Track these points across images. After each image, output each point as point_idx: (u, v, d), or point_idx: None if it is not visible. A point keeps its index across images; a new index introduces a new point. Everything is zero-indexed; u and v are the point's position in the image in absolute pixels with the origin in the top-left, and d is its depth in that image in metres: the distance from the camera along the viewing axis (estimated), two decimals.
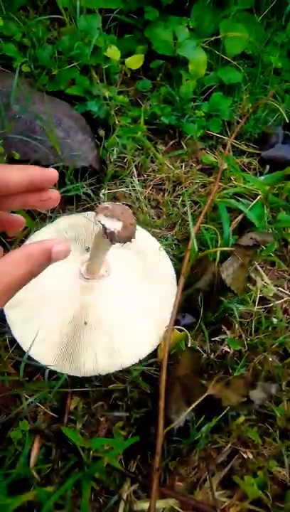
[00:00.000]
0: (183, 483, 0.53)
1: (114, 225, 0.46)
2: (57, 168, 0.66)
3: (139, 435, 0.53)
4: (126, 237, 0.47)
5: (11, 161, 0.66)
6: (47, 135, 0.66)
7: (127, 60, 0.87)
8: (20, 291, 0.59)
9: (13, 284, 0.33)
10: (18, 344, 0.56)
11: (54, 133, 0.66)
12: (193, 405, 0.51)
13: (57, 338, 0.56)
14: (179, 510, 0.51)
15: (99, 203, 0.71)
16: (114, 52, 0.83)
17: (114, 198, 0.73)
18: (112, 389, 0.57)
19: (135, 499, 0.52)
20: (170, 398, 0.52)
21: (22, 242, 0.64)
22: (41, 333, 0.56)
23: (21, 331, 0.57)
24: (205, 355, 0.61)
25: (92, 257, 0.57)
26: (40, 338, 0.55)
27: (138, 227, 0.67)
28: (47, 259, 0.35)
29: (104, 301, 0.58)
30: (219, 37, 0.90)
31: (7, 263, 0.33)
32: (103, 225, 0.46)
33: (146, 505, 0.50)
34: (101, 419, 0.56)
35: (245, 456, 0.55)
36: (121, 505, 0.51)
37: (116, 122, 0.79)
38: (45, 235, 0.64)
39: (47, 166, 0.66)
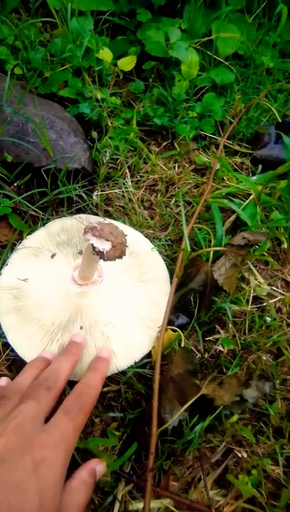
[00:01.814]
0: (177, 483, 0.54)
1: (103, 245, 0.46)
2: (49, 170, 0.67)
3: (134, 435, 0.53)
4: (115, 257, 0.47)
5: (4, 163, 0.66)
6: (39, 137, 0.66)
7: (120, 62, 0.87)
8: (13, 298, 0.59)
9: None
10: (12, 348, 0.56)
11: (46, 135, 0.66)
12: (187, 405, 0.51)
13: (53, 343, 0.56)
14: (174, 509, 0.51)
15: (92, 204, 0.71)
16: (106, 54, 0.83)
17: (107, 200, 0.73)
18: (107, 390, 0.57)
19: (130, 499, 0.52)
20: (164, 398, 0.52)
21: (14, 245, 0.64)
22: (36, 338, 0.56)
23: (16, 336, 0.56)
24: (198, 355, 0.61)
25: (83, 266, 0.56)
26: (35, 343, 0.55)
27: (131, 229, 0.68)
28: (95, 480, 0.44)
29: (98, 305, 0.58)
30: (211, 38, 0.90)
31: (72, 496, 0.39)
32: (92, 244, 0.46)
33: (140, 505, 0.51)
34: (96, 420, 0.56)
35: (239, 455, 0.55)
36: (116, 505, 0.51)
37: (109, 124, 0.79)
38: (36, 239, 0.64)
39: (39, 168, 0.67)
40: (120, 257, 0.47)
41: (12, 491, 0.33)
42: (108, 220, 0.66)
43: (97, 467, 0.45)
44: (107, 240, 0.46)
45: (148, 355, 0.58)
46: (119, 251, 0.47)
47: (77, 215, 0.67)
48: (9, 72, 0.69)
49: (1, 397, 0.44)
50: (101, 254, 0.46)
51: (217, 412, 0.52)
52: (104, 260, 0.47)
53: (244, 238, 0.61)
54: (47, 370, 0.47)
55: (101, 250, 0.46)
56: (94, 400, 0.46)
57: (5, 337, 0.57)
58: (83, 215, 0.67)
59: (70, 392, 0.45)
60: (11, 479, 0.34)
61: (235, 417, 0.54)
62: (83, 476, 0.42)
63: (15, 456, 0.36)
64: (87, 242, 0.47)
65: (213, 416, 0.52)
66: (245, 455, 0.55)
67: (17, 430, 0.38)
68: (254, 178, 0.76)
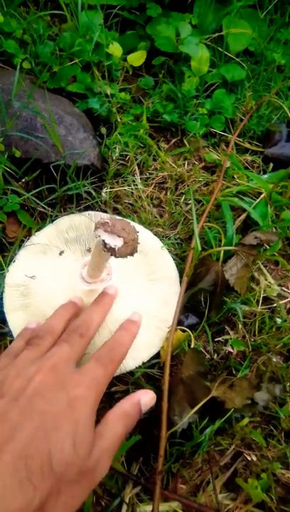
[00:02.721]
0: (186, 486, 0.53)
1: (115, 241, 0.44)
2: (58, 166, 0.66)
3: (142, 437, 0.52)
4: (127, 254, 0.46)
5: (12, 158, 0.65)
6: (48, 133, 0.65)
7: (129, 57, 0.86)
8: (21, 295, 0.58)
9: (116, 444, 0.40)
10: None
11: (56, 130, 0.65)
12: (197, 407, 0.50)
13: None
14: None
15: (101, 202, 0.70)
16: (116, 49, 0.82)
17: (116, 197, 0.72)
18: (114, 390, 0.56)
19: (137, 502, 0.51)
20: (173, 400, 0.51)
21: (22, 241, 0.63)
22: None
23: None
24: (208, 356, 0.60)
25: (92, 264, 0.55)
26: None
27: (140, 227, 0.67)
28: (139, 412, 0.44)
29: None
30: (222, 33, 0.89)
31: (108, 428, 0.41)
32: (103, 240, 0.45)
33: (148, 508, 0.50)
34: None
35: (249, 458, 0.55)
36: (124, 508, 0.50)
37: (118, 120, 0.78)
38: (45, 236, 0.63)
39: (48, 164, 0.66)
40: (132, 254, 0.46)
41: (48, 419, 0.36)
42: (118, 217, 0.65)
43: (142, 398, 0.45)
44: (119, 236, 0.45)
45: (157, 355, 0.57)
46: (131, 248, 0.46)
47: (86, 212, 0.66)
48: (18, 66, 0.68)
49: (35, 336, 0.46)
50: (112, 251, 0.45)
51: (228, 415, 0.51)
52: (116, 257, 0.46)
53: (256, 238, 0.60)
54: (79, 318, 0.49)
55: (112, 247, 0.45)
56: (124, 356, 0.48)
57: (12, 334, 0.56)
58: (92, 212, 0.66)
59: (101, 346, 0.46)
60: (48, 409, 0.37)
61: (246, 420, 0.53)
62: (124, 407, 0.43)
63: (52, 392, 0.38)
64: (98, 238, 0.45)
65: (223, 419, 0.51)
66: (255, 458, 0.55)
67: (53, 369, 0.40)
68: (265, 176, 0.75)
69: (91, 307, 0.52)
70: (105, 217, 0.46)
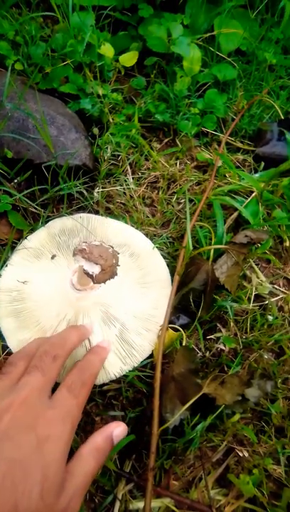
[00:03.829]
0: (178, 482, 0.53)
1: (93, 269, 0.45)
2: (50, 166, 0.66)
3: (134, 434, 0.53)
4: (105, 280, 0.46)
5: (4, 159, 0.66)
6: (40, 133, 0.65)
7: (121, 58, 0.86)
8: (13, 301, 0.58)
9: (88, 482, 0.39)
10: (10, 350, 0.56)
11: (47, 131, 0.65)
12: (188, 404, 0.50)
13: None
14: (174, 509, 0.50)
15: (93, 202, 0.71)
16: (107, 50, 0.82)
17: (108, 197, 0.72)
18: (107, 389, 0.57)
19: (130, 499, 0.51)
20: (165, 397, 0.52)
21: (15, 243, 0.64)
22: None
23: (15, 339, 0.56)
24: (199, 354, 0.60)
25: (79, 277, 0.56)
26: None
27: (132, 228, 0.67)
28: (111, 445, 0.43)
29: (98, 309, 0.57)
30: (213, 33, 0.89)
31: (80, 465, 0.39)
32: (82, 266, 0.45)
33: (141, 504, 0.50)
34: (96, 419, 0.56)
35: (241, 454, 0.55)
36: (117, 504, 0.51)
37: (110, 120, 0.78)
38: (37, 240, 0.63)
39: (40, 165, 0.67)
40: (111, 278, 0.47)
41: (16, 467, 0.34)
42: (105, 225, 0.65)
43: (115, 431, 0.44)
44: (96, 264, 0.45)
45: (150, 355, 0.57)
46: (108, 274, 0.47)
47: (78, 215, 0.67)
48: (10, 68, 0.69)
49: (7, 363, 0.44)
50: (90, 277, 0.46)
51: (219, 411, 0.52)
52: (94, 283, 0.46)
53: (246, 236, 0.60)
54: (54, 336, 0.47)
55: (90, 273, 0.46)
56: (95, 378, 0.46)
57: (4, 340, 0.56)
58: (84, 215, 0.67)
59: (71, 369, 0.45)
60: (16, 456, 0.34)
61: (237, 417, 0.53)
62: (97, 442, 0.42)
63: (20, 433, 0.36)
64: (78, 262, 0.46)
65: (215, 415, 0.52)
66: (246, 454, 0.55)
67: (24, 404, 0.38)
68: (257, 175, 0.76)
69: (69, 329, 0.50)
70: (83, 243, 0.46)
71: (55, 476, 0.35)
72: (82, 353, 0.53)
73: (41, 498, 0.34)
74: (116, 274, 0.47)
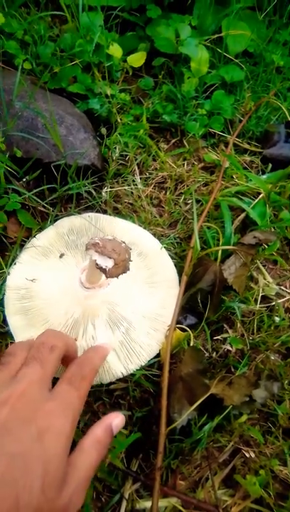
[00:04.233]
0: (185, 482, 0.53)
1: (106, 263, 0.45)
2: (58, 166, 0.66)
3: (141, 434, 0.53)
4: (118, 274, 0.46)
5: (13, 158, 0.66)
6: (49, 133, 0.65)
7: (129, 58, 0.86)
8: (21, 298, 0.58)
9: (90, 474, 0.38)
10: None
11: (57, 131, 0.66)
12: (196, 404, 0.50)
13: None
14: (181, 509, 0.50)
15: (101, 201, 0.71)
16: (116, 50, 0.83)
17: (116, 197, 0.73)
18: (114, 388, 0.57)
19: (137, 498, 0.52)
20: (172, 397, 0.52)
21: (24, 242, 0.64)
22: None
23: (23, 337, 0.56)
24: (206, 354, 0.61)
25: (89, 272, 0.56)
26: None
27: (139, 228, 0.67)
28: (111, 436, 0.42)
29: (106, 308, 0.57)
30: (221, 35, 0.89)
31: (82, 458, 0.38)
32: (94, 260, 0.45)
33: (148, 504, 0.50)
34: None
35: (247, 455, 0.55)
36: (123, 504, 0.51)
37: (118, 120, 0.79)
38: (45, 239, 0.64)
39: (49, 164, 0.67)
40: (123, 273, 0.47)
41: (16, 461, 0.33)
42: (113, 225, 0.66)
43: (114, 422, 0.43)
44: (110, 258, 0.45)
45: (157, 354, 0.57)
46: (121, 268, 0.46)
47: (86, 214, 0.67)
48: (20, 67, 0.69)
49: (6, 353, 0.43)
50: (104, 271, 0.46)
51: (226, 411, 0.52)
52: (107, 277, 0.46)
53: (255, 237, 0.61)
54: (47, 330, 0.46)
55: (104, 267, 0.45)
56: (95, 372, 0.45)
57: (13, 337, 0.56)
58: (92, 214, 0.67)
59: (70, 365, 0.44)
60: (16, 450, 0.33)
61: (244, 417, 0.53)
62: (97, 435, 0.41)
63: (20, 426, 0.35)
64: (90, 257, 0.46)
65: (222, 416, 0.52)
66: (253, 455, 0.55)
67: (22, 398, 0.37)
68: (264, 176, 0.76)
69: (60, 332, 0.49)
70: (96, 237, 0.46)
71: (56, 470, 0.35)
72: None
73: (42, 492, 0.33)
74: (129, 269, 0.46)
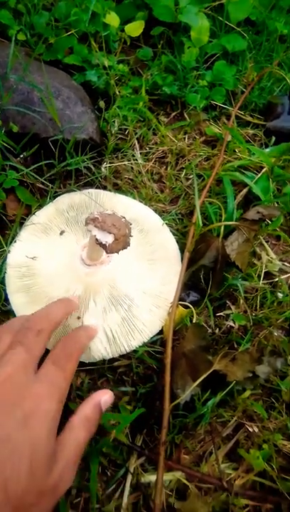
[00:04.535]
0: (189, 456, 0.54)
1: (106, 238, 0.44)
2: (56, 141, 0.65)
3: (145, 410, 0.53)
4: (118, 250, 0.45)
5: (9, 133, 0.64)
6: (46, 106, 0.63)
7: (127, 27, 0.83)
8: (22, 276, 0.57)
9: (79, 452, 0.39)
10: None
11: (53, 104, 0.64)
12: (199, 380, 0.50)
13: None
14: (185, 482, 0.51)
15: (101, 177, 0.69)
16: (113, 19, 0.79)
17: (116, 172, 0.71)
18: (117, 365, 0.57)
19: (142, 472, 0.52)
20: (176, 373, 0.52)
21: (23, 219, 0.63)
22: None
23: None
24: (209, 331, 0.60)
25: (90, 249, 0.55)
26: None
27: (140, 204, 0.66)
28: (100, 413, 0.43)
29: (107, 285, 0.57)
30: (222, 2, 0.86)
31: (71, 436, 0.39)
32: (94, 236, 0.44)
33: (152, 477, 0.51)
34: None
35: (250, 429, 0.56)
36: (129, 478, 0.51)
37: (117, 93, 0.76)
38: (45, 216, 0.63)
39: (46, 139, 0.65)
40: (124, 248, 0.46)
41: (2, 445, 0.33)
42: (114, 200, 0.64)
43: (102, 399, 0.44)
44: (110, 233, 0.44)
45: (160, 331, 0.57)
46: (122, 243, 0.45)
47: (86, 190, 0.65)
48: (14, 38, 0.66)
49: None
50: (104, 247, 0.45)
51: (230, 387, 0.52)
52: (107, 253, 0.46)
53: (258, 212, 0.59)
54: (39, 310, 0.46)
55: (103, 243, 0.45)
56: (81, 351, 0.46)
57: (15, 315, 0.56)
58: (92, 190, 0.66)
59: (56, 344, 0.44)
60: (3, 435, 0.34)
61: (247, 393, 0.53)
62: (86, 412, 0.42)
63: (6, 410, 0.35)
64: (90, 232, 0.45)
65: (225, 391, 0.52)
66: (256, 430, 0.56)
67: (7, 382, 0.37)
68: (267, 150, 0.74)
69: (53, 303, 0.49)
70: (95, 211, 0.45)
71: (44, 450, 0.35)
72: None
73: (31, 473, 0.33)
74: (129, 245, 0.46)
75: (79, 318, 0.55)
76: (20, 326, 0.43)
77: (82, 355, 0.46)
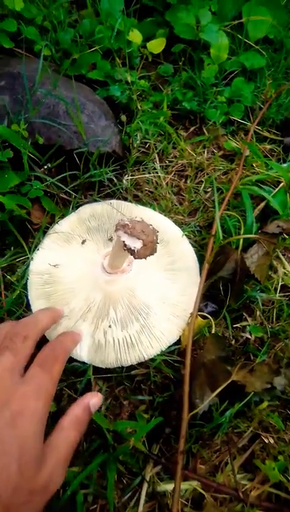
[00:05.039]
0: (205, 466, 0.54)
1: (134, 244, 0.46)
2: (82, 153, 0.67)
3: (163, 419, 0.54)
4: (146, 255, 0.47)
5: (35, 145, 0.66)
6: (72, 119, 0.65)
7: (149, 44, 0.86)
8: (44, 284, 0.59)
9: (69, 452, 0.40)
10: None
11: (80, 117, 0.66)
12: (218, 391, 0.51)
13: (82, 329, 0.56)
14: (202, 491, 0.51)
15: (122, 189, 0.71)
16: (136, 36, 0.82)
17: (137, 184, 0.73)
18: (135, 374, 0.58)
19: (158, 481, 0.53)
20: (194, 383, 0.53)
21: (47, 228, 0.64)
22: (65, 324, 0.56)
23: None
24: (226, 342, 0.61)
25: (113, 256, 0.56)
26: (64, 328, 0.56)
27: (160, 216, 0.68)
28: (89, 415, 0.44)
29: (127, 294, 0.58)
30: (241, 21, 0.88)
31: (61, 437, 0.40)
32: (123, 241, 0.46)
33: (168, 486, 0.51)
34: (124, 403, 0.57)
35: (266, 440, 0.56)
36: (145, 486, 0.52)
37: (139, 107, 0.78)
38: (67, 225, 0.64)
39: (71, 151, 0.67)
40: (151, 254, 0.47)
41: None
42: (136, 211, 0.66)
43: (91, 401, 0.45)
44: (139, 239, 0.46)
45: (177, 341, 0.58)
46: (149, 249, 0.47)
47: (108, 201, 0.67)
48: (42, 53, 0.68)
49: None
50: (132, 252, 0.46)
51: (248, 398, 0.52)
52: (135, 258, 0.47)
53: (278, 226, 0.61)
54: (26, 318, 0.48)
55: (132, 248, 0.46)
56: (67, 354, 0.47)
57: None
58: (114, 201, 0.67)
59: (43, 348, 0.45)
60: None
61: (265, 404, 0.54)
62: (76, 413, 0.43)
63: None
64: (119, 238, 0.47)
65: (243, 402, 0.52)
66: (272, 441, 0.56)
67: None
68: (285, 165, 0.75)
69: (40, 310, 0.52)
70: (125, 218, 0.47)
71: (32, 449, 0.36)
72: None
73: (20, 473, 0.34)
74: (156, 251, 0.47)
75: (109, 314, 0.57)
76: (7, 332, 0.44)
77: (67, 358, 0.47)
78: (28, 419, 0.37)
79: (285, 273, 0.67)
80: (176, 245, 0.64)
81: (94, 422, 0.52)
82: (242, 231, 0.64)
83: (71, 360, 0.55)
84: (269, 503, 0.52)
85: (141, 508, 0.51)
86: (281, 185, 0.71)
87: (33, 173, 0.65)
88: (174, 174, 0.75)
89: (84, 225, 0.64)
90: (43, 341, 0.47)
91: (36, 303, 0.58)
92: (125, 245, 0.46)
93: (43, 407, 0.38)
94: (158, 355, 0.56)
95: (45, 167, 0.67)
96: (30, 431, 0.36)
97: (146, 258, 0.47)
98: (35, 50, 0.78)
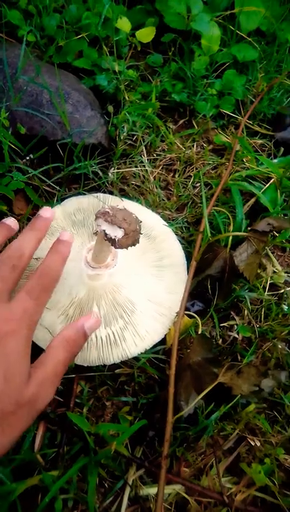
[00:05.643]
0: (189, 469, 0.53)
1: (115, 232, 0.44)
2: (66, 144, 0.64)
3: (146, 421, 0.52)
4: (128, 245, 0.45)
5: (17, 135, 0.63)
6: (55, 109, 0.63)
7: (138, 33, 0.83)
8: (25, 278, 0.56)
9: (58, 370, 0.40)
10: None
11: (64, 107, 0.63)
12: (204, 393, 0.50)
13: (65, 324, 0.54)
14: (185, 495, 0.50)
15: (108, 182, 0.69)
16: (124, 24, 0.79)
17: (123, 178, 0.70)
18: (119, 373, 0.56)
19: (141, 484, 0.51)
20: (180, 385, 0.51)
21: (29, 219, 0.62)
22: (48, 318, 0.54)
23: None
24: (213, 342, 0.60)
25: (96, 250, 0.54)
26: (47, 323, 0.54)
27: (148, 211, 0.65)
28: (83, 336, 0.44)
29: (112, 289, 0.56)
30: (234, 11, 0.86)
31: (49, 355, 0.41)
32: (104, 230, 0.44)
33: (151, 490, 0.50)
34: (107, 404, 0.55)
35: (252, 443, 0.55)
36: (127, 490, 0.50)
37: (126, 98, 0.76)
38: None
39: (54, 142, 0.64)
40: (133, 244, 0.46)
41: None
42: (121, 205, 0.64)
43: (86, 323, 0.44)
44: (120, 227, 0.44)
45: (162, 341, 0.56)
46: (131, 239, 0.45)
47: (94, 194, 0.65)
48: (24, 39, 0.66)
49: None
50: (112, 242, 0.44)
51: (235, 401, 0.51)
52: (116, 248, 0.45)
53: (268, 224, 0.59)
54: (10, 246, 0.46)
55: (113, 237, 0.44)
56: (56, 281, 0.45)
57: None
58: (100, 194, 0.65)
59: (31, 274, 0.44)
60: None
61: (252, 406, 0.53)
62: (66, 334, 0.43)
63: None
64: (99, 227, 0.45)
65: (230, 405, 0.51)
66: (258, 444, 0.55)
67: None
68: (275, 161, 0.74)
69: (24, 233, 0.48)
70: (106, 206, 0.45)
71: (16, 365, 0.37)
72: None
73: (6, 381, 0.36)
74: (138, 242, 0.45)
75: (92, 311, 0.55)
76: None
77: (55, 287, 0.45)
78: (13, 339, 0.38)
79: (274, 271, 0.66)
80: (164, 241, 0.62)
81: (75, 424, 0.50)
82: (231, 228, 0.62)
83: None
84: (254, 507, 0.51)
85: None
86: (272, 181, 0.69)
87: (14, 164, 0.62)
88: (162, 168, 0.73)
89: (69, 218, 0.62)
90: None
91: None
92: (106, 234, 0.44)
93: (26, 331, 0.39)
94: (142, 354, 0.54)
95: (27, 158, 0.64)
96: (16, 349, 0.38)
97: (127, 248, 0.45)
98: (18, 35, 0.75)
